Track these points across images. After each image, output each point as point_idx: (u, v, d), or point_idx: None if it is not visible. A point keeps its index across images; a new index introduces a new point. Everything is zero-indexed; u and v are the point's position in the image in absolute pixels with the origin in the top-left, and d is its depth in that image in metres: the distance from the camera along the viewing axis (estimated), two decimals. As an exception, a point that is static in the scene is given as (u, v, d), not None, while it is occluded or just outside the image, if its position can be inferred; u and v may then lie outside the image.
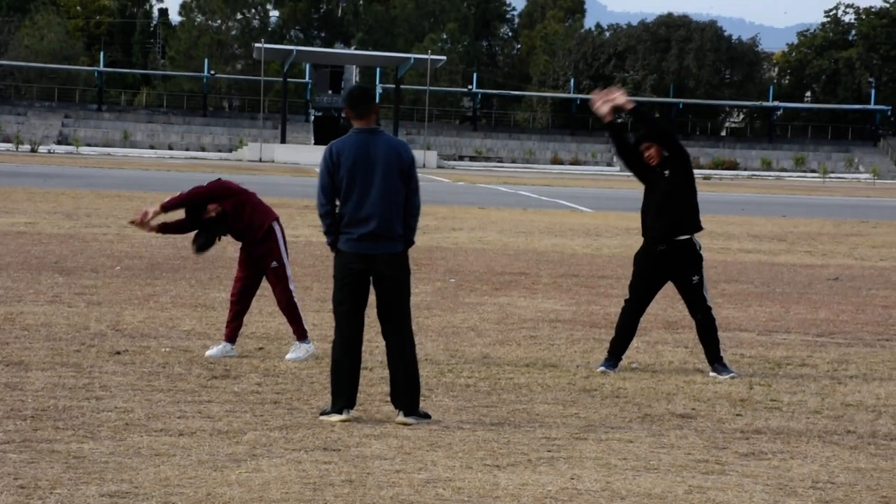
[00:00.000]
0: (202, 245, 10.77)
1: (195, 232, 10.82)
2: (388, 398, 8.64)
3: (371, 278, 8.33)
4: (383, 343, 8.53)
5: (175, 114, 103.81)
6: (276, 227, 10.77)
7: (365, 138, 8.30)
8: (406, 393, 8.31)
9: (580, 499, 6.63)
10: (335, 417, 8.26)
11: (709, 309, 10.69)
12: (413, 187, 8.36)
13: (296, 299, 10.76)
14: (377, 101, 8.56)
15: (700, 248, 10.73)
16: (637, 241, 10.86)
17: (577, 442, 7.95)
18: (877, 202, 54.19)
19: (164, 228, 10.85)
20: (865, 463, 7.70)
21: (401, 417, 8.28)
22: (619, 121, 10.56)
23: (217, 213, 10.66)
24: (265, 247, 10.68)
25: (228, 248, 20.16)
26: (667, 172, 10.50)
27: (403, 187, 8.31)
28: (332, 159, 8.30)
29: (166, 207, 10.50)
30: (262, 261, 10.70)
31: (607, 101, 10.35)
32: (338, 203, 8.38)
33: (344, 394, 8.30)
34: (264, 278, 10.84)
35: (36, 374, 9.44)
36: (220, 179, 10.95)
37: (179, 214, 10.78)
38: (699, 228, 10.65)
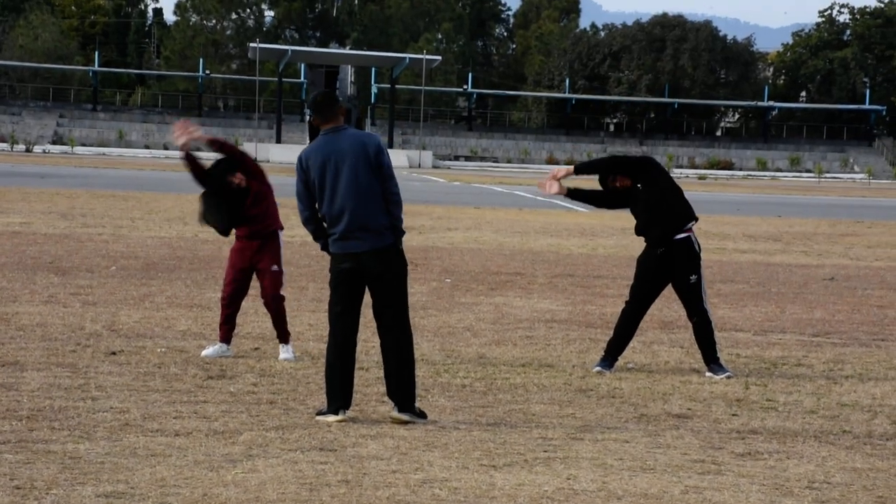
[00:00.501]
0: (210, 221, 10.71)
1: (206, 203, 10.68)
2: (384, 398, 8.64)
3: (363, 276, 8.32)
4: (378, 342, 8.52)
5: (170, 114, 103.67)
6: (280, 235, 10.81)
7: (330, 138, 8.38)
8: (400, 388, 8.31)
9: (576, 499, 6.63)
10: (331, 418, 8.26)
11: (705, 313, 10.70)
12: (385, 175, 8.34)
13: (284, 304, 10.80)
14: (340, 102, 8.59)
15: (700, 248, 10.76)
16: (634, 241, 10.87)
17: (574, 442, 7.95)
18: (872, 202, 54.24)
19: (190, 158, 10.59)
20: (861, 463, 7.70)
21: (395, 413, 8.28)
22: (571, 187, 10.71)
23: (241, 185, 10.61)
24: (271, 245, 10.67)
25: (224, 249, 20.15)
26: (639, 185, 10.66)
27: (376, 178, 8.31)
28: (302, 166, 8.41)
29: (211, 142, 10.40)
30: (263, 259, 10.65)
31: (552, 181, 10.58)
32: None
33: (339, 395, 8.30)
34: (253, 279, 10.83)
35: (31, 375, 9.43)
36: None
37: (213, 154, 10.65)
38: (694, 218, 10.68)
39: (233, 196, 10.61)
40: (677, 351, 11.84)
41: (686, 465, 7.45)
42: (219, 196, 10.64)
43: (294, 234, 23.17)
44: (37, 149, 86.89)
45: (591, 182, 10.96)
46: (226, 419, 8.23)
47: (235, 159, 10.62)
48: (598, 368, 10.61)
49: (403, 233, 8.44)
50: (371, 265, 8.28)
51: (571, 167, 10.61)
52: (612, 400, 9.42)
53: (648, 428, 8.48)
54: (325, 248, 8.47)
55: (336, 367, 8.32)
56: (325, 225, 8.43)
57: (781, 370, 11.05)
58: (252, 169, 10.67)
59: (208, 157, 10.61)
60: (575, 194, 10.73)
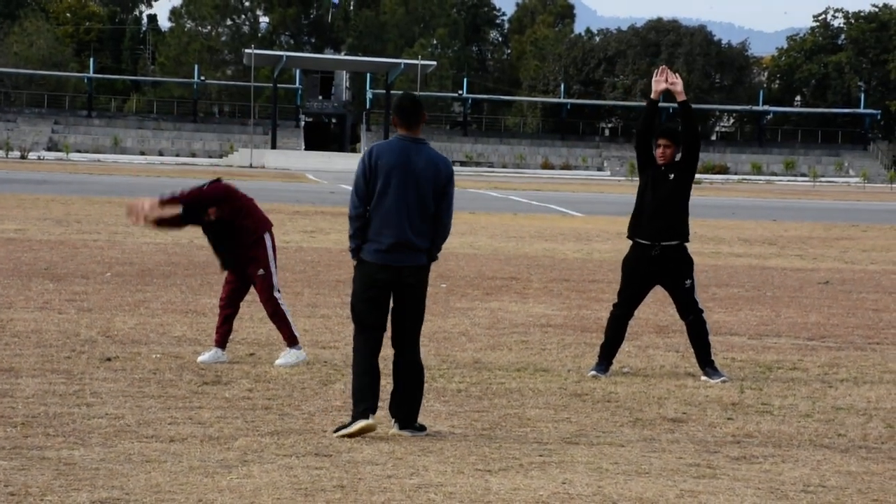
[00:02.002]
0: (226, 262, 10.75)
1: (217, 250, 10.73)
2: (382, 404, 8.63)
3: (395, 289, 8.10)
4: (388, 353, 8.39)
5: (165, 120, 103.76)
6: (267, 237, 10.75)
7: (407, 146, 8.10)
8: (405, 404, 8.20)
9: (572, 503, 6.63)
10: (360, 423, 7.95)
11: (700, 311, 10.71)
12: (445, 206, 8.14)
13: (283, 307, 10.74)
14: (424, 109, 8.34)
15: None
16: (628, 246, 10.87)
17: (569, 446, 7.95)
18: (867, 206, 54.30)
19: (161, 223, 10.73)
20: (856, 466, 7.71)
21: (396, 430, 8.19)
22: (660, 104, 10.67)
23: (216, 216, 10.62)
24: (252, 253, 10.66)
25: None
26: (671, 176, 10.50)
27: (435, 204, 8.11)
28: (370, 161, 8.09)
29: (165, 202, 10.41)
30: (249, 267, 10.68)
31: (671, 82, 10.48)
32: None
33: (366, 399, 8.05)
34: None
35: (26, 381, 9.42)
36: (219, 180, 10.87)
37: (175, 209, 10.69)
38: (687, 238, 10.65)
39: (220, 229, 10.64)
40: (672, 355, 11.84)
41: (681, 469, 7.45)
42: (208, 235, 10.72)
43: (289, 239, 23.15)
44: (32, 155, 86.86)
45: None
46: (221, 425, 8.22)
47: (194, 203, 10.58)
48: (594, 373, 10.61)
49: (436, 259, 8.29)
50: (407, 279, 8.08)
51: (685, 95, 10.43)
52: (607, 404, 9.42)
53: (644, 432, 8.48)
54: (356, 250, 8.13)
55: (364, 378, 8.06)
56: (367, 227, 8.10)
57: (776, 374, 11.05)
58: (211, 198, 10.60)
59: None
60: (654, 105, 10.47)
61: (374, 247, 8.09)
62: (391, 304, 8.20)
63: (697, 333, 10.69)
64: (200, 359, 10.56)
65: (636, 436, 8.34)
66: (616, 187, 69.33)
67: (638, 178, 10.83)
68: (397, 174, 8.04)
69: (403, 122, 8.16)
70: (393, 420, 8.25)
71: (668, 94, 10.74)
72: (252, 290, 10.92)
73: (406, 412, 8.21)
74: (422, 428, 8.26)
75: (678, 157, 10.56)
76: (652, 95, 10.55)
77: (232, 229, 10.64)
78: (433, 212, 8.13)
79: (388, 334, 8.28)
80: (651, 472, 7.36)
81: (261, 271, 10.65)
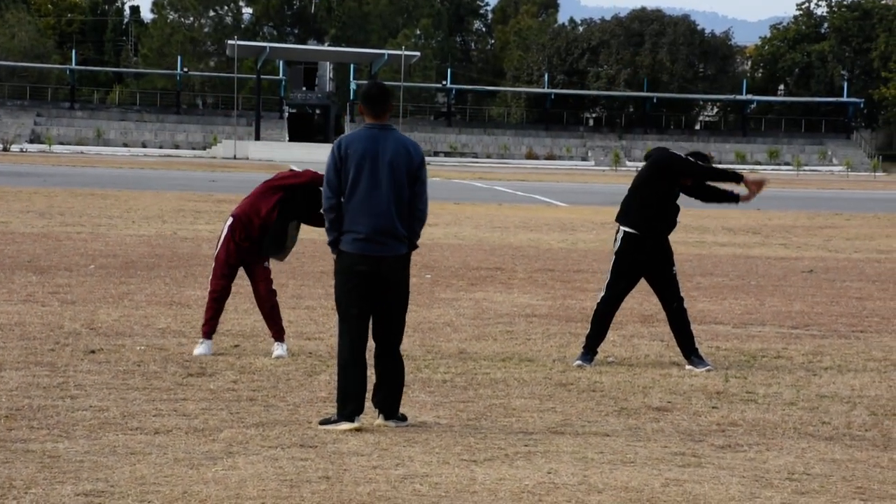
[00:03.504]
0: (275, 250, 10.66)
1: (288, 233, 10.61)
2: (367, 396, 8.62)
3: (377, 280, 8.05)
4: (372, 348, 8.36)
5: (148, 111, 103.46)
6: None
7: (376, 133, 8.09)
8: (389, 396, 8.18)
9: (557, 493, 6.63)
10: (345, 426, 7.96)
11: (682, 299, 10.79)
12: (418, 190, 8.11)
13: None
14: (392, 98, 8.35)
15: None
16: (613, 236, 10.87)
17: (554, 436, 7.96)
18: (850, 194, 54.43)
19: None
20: (840, 454, 7.73)
21: (380, 420, 8.19)
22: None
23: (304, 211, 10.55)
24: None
25: (203, 246, 20.14)
26: (677, 189, 10.86)
27: (409, 188, 8.09)
28: (339, 152, 8.07)
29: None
30: (256, 257, 10.60)
31: (756, 194, 11.06)
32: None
33: (352, 399, 8.02)
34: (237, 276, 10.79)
35: (10, 374, 9.39)
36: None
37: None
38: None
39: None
40: (657, 345, 11.86)
41: (666, 458, 7.46)
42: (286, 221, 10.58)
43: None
44: (14, 147, 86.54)
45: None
46: (206, 416, 8.20)
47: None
48: (579, 363, 10.63)
49: (417, 246, 8.24)
50: (387, 272, 8.04)
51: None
52: (592, 394, 9.43)
53: (629, 421, 8.49)
54: (334, 242, 8.11)
55: (352, 370, 8.04)
56: (342, 219, 8.08)
57: (761, 362, 11.08)
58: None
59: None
60: (725, 197, 11.05)
61: (352, 236, 8.06)
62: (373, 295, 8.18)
63: (680, 322, 10.73)
64: (197, 352, 10.50)
65: (621, 425, 8.35)
66: (600, 177, 69.39)
67: (623, 168, 10.89)
68: (368, 162, 8.03)
69: (371, 111, 8.15)
70: (377, 411, 8.24)
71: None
72: (235, 285, 10.89)
73: (390, 403, 8.20)
74: (403, 418, 8.25)
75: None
76: (742, 198, 10.95)
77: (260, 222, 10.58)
78: (407, 197, 8.11)
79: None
80: (636, 461, 7.37)
81: (266, 264, 10.65)
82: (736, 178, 10.77)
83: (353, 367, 8.08)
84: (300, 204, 10.35)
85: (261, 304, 10.73)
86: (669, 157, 10.78)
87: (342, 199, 8.08)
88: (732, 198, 10.97)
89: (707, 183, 10.97)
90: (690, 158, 10.80)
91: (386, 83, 8.80)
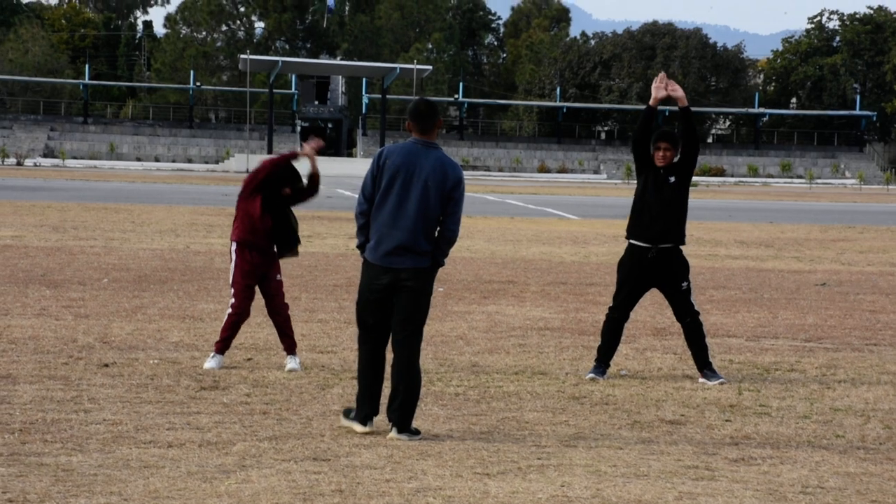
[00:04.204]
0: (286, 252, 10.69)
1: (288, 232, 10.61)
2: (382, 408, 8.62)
3: (397, 291, 8.17)
4: (391, 359, 8.39)
5: (161, 126, 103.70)
6: None
7: (418, 148, 8.17)
8: (401, 408, 8.22)
9: (571, 506, 6.62)
10: (357, 427, 8.23)
11: (697, 313, 10.72)
12: (451, 210, 8.17)
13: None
14: (440, 115, 8.42)
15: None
16: (624, 249, 10.86)
17: (567, 449, 7.95)
18: (863, 207, 54.33)
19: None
20: (855, 467, 7.71)
21: (393, 434, 8.21)
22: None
23: (286, 195, 10.60)
24: (275, 256, 10.65)
25: (216, 259, 20.17)
26: (672, 179, 10.55)
27: (440, 208, 8.14)
28: (379, 161, 8.20)
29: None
30: (271, 269, 10.62)
31: (671, 89, 10.54)
32: None
33: (367, 404, 8.27)
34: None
35: (24, 388, 9.41)
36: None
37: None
38: (683, 241, 10.66)
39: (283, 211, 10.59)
40: (670, 357, 11.84)
41: (680, 472, 7.44)
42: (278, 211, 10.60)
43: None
44: (28, 162, 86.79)
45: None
46: (219, 430, 8.21)
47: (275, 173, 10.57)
48: (591, 375, 10.61)
49: (442, 264, 8.30)
50: (406, 280, 8.14)
51: (686, 100, 10.63)
52: (605, 407, 9.42)
53: (642, 434, 8.48)
54: (361, 247, 8.28)
55: (368, 375, 8.28)
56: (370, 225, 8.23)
57: (774, 375, 11.06)
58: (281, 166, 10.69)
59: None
60: (653, 111, 10.61)
61: (375, 246, 8.18)
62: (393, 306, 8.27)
63: (695, 336, 10.69)
64: (208, 366, 10.49)
65: (634, 438, 8.34)
66: (612, 190, 69.37)
67: (635, 181, 10.85)
68: (402, 174, 8.11)
69: (418, 126, 8.21)
70: (390, 424, 8.26)
71: (665, 99, 10.76)
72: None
73: (402, 415, 8.23)
74: (416, 432, 8.27)
75: (676, 159, 10.59)
76: (651, 102, 10.61)
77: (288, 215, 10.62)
78: (438, 215, 8.16)
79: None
80: (649, 474, 7.36)
81: (278, 276, 10.68)
82: (646, 108, 10.59)
83: (368, 375, 8.29)
84: (279, 191, 10.50)
85: (273, 318, 10.73)
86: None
87: (372, 207, 8.20)
88: (648, 110, 10.59)
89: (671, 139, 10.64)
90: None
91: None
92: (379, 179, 8.16)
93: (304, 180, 10.76)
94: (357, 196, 8.39)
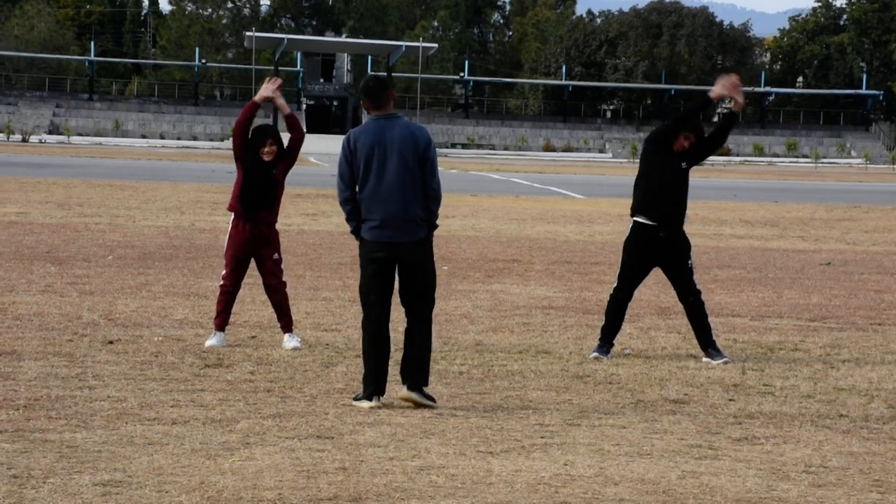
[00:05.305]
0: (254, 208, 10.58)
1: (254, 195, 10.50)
2: (392, 381, 8.63)
3: (396, 265, 8.38)
4: (402, 328, 8.52)
5: (166, 103, 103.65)
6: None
7: (381, 124, 8.38)
8: (413, 362, 8.38)
9: (574, 485, 6.63)
10: (365, 404, 8.34)
11: (699, 293, 10.74)
12: (429, 169, 8.38)
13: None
14: (392, 87, 8.59)
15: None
16: (629, 228, 10.86)
17: (571, 428, 7.96)
18: (869, 187, 54.25)
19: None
20: (858, 447, 7.71)
21: (405, 392, 8.35)
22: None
23: (271, 157, 10.54)
24: (273, 233, 10.62)
25: (221, 237, 20.16)
26: (684, 165, 10.67)
27: (420, 171, 8.35)
28: (349, 146, 8.40)
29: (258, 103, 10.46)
30: (267, 247, 10.59)
31: (734, 92, 10.69)
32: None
33: (373, 381, 8.38)
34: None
35: (28, 364, 9.43)
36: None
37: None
38: (684, 222, 10.81)
39: (266, 177, 10.51)
40: (674, 337, 11.84)
41: (683, 451, 7.45)
42: (251, 174, 10.49)
43: (290, 222, 23.15)
44: (33, 139, 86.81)
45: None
46: (223, 407, 8.23)
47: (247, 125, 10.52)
48: (595, 354, 10.62)
49: (436, 227, 8.51)
50: (405, 255, 8.33)
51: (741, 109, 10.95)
52: (609, 386, 9.43)
53: (645, 413, 8.49)
54: (355, 231, 8.46)
55: (372, 352, 8.40)
56: (360, 209, 8.41)
57: (778, 355, 11.06)
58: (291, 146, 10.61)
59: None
60: (708, 107, 10.92)
61: (371, 224, 8.38)
62: (396, 280, 8.42)
63: (698, 315, 10.71)
64: (209, 343, 10.50)
65: (638, 417, 8.35)
66: (618, 169, 69.29)
67: (640, 160, 10.87)
68: (377, 153, 8.32)
69: (372, 103, 8.42)
70: (405, 385, 8.40)
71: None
72: (249, 276, 10.89)
73: (412, 371, 8.37)
74: (431, 398, 8.38)
75: (692, 147, 10.70)
76: (712, 95, 10.69)
77: (274, 184, 10.55)
78: (420, 178, 8.36)
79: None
80: (653, 453, 7.37)
81: (276, 255, 10.64)
82: (704, 100, 10.69)
83: (373, 352, 8.40)
84: (258, 155, 10.50)
85: (270, 296, 10.75)
86: (653, 130, 10.91)
87: (357, 191, 8.39)
88: (705, 103, 10.73)
89: (706, 134, 10.89)
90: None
91: (396, 74, 9.18)
92: (355, 163, 8.36)
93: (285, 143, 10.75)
94: (336, 183, 8.51)
